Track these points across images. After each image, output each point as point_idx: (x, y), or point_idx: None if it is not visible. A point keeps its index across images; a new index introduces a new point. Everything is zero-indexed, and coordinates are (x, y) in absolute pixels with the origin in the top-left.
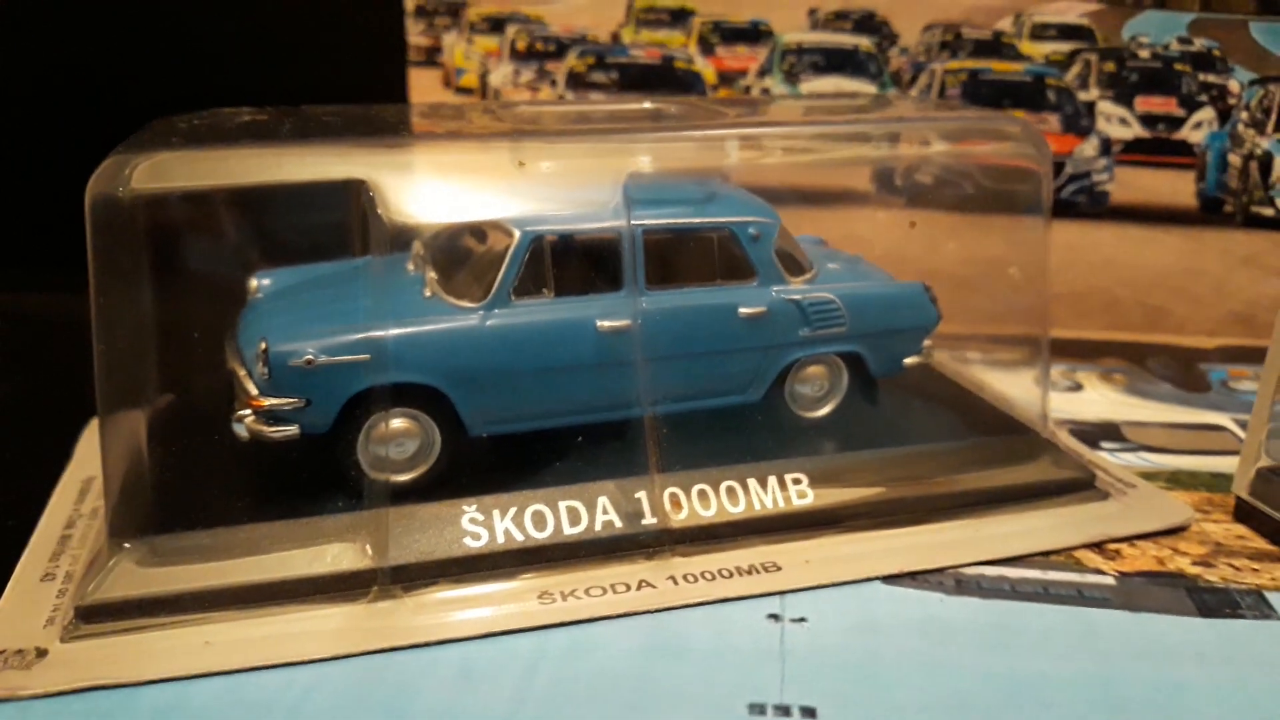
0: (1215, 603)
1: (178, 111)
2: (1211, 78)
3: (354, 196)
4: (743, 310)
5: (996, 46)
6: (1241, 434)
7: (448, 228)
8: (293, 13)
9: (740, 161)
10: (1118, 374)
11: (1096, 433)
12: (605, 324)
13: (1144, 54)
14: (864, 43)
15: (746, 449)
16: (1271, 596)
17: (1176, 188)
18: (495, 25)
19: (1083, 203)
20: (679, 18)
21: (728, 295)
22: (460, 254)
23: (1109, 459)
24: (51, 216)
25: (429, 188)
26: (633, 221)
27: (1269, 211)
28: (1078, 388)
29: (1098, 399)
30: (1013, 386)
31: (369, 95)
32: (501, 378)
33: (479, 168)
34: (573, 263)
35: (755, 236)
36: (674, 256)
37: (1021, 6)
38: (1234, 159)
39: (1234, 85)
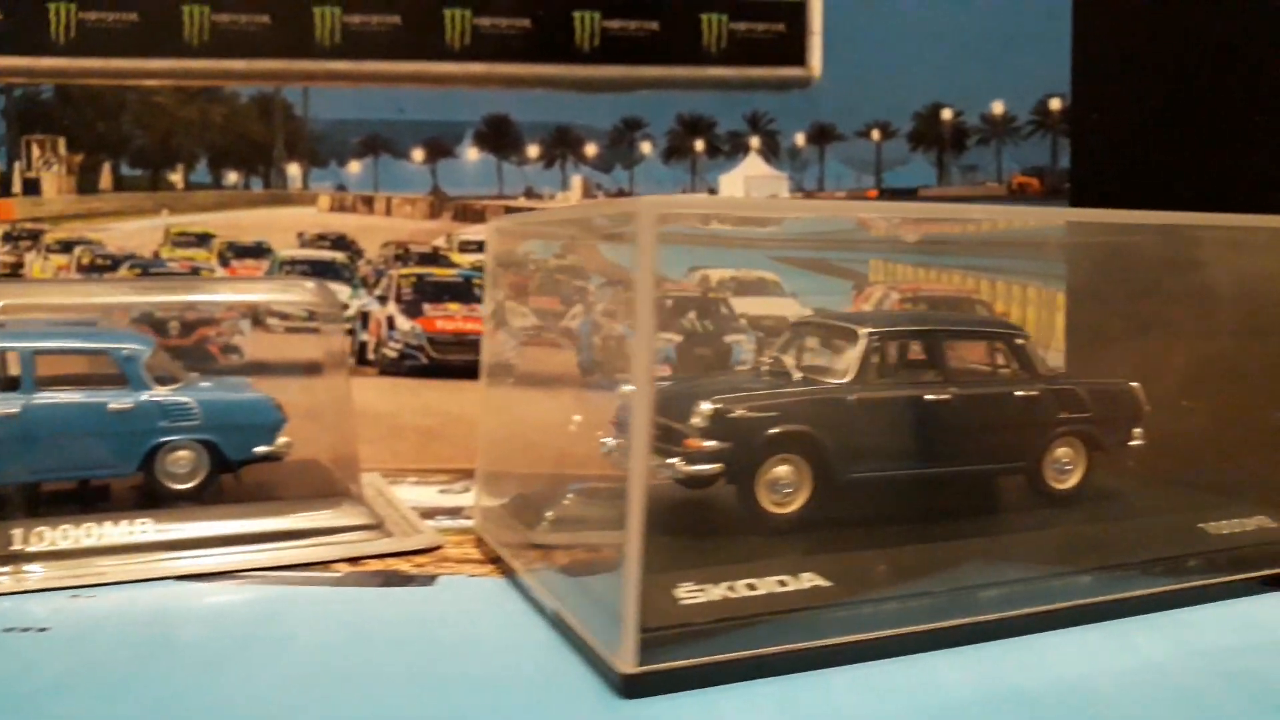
0: (397, 580)
1: None
2: (578, 283)
3: None
4: (112, 405)
5: (435, 257)
6: None
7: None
8: None
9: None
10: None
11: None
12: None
13: (533, 266)
14: (339, 256)
15: None
16: (438, 578)
17: (564, 360)
18: (66, 247)
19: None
20: (203, 240)
21: (102, 395)
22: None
23: (416, 519)
24: None
25: None
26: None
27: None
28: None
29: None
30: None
31: None
32: None
33: None
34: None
35: (128, 356)
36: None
37: (450, 230)
38: (596, 340)
39: (590, 287)
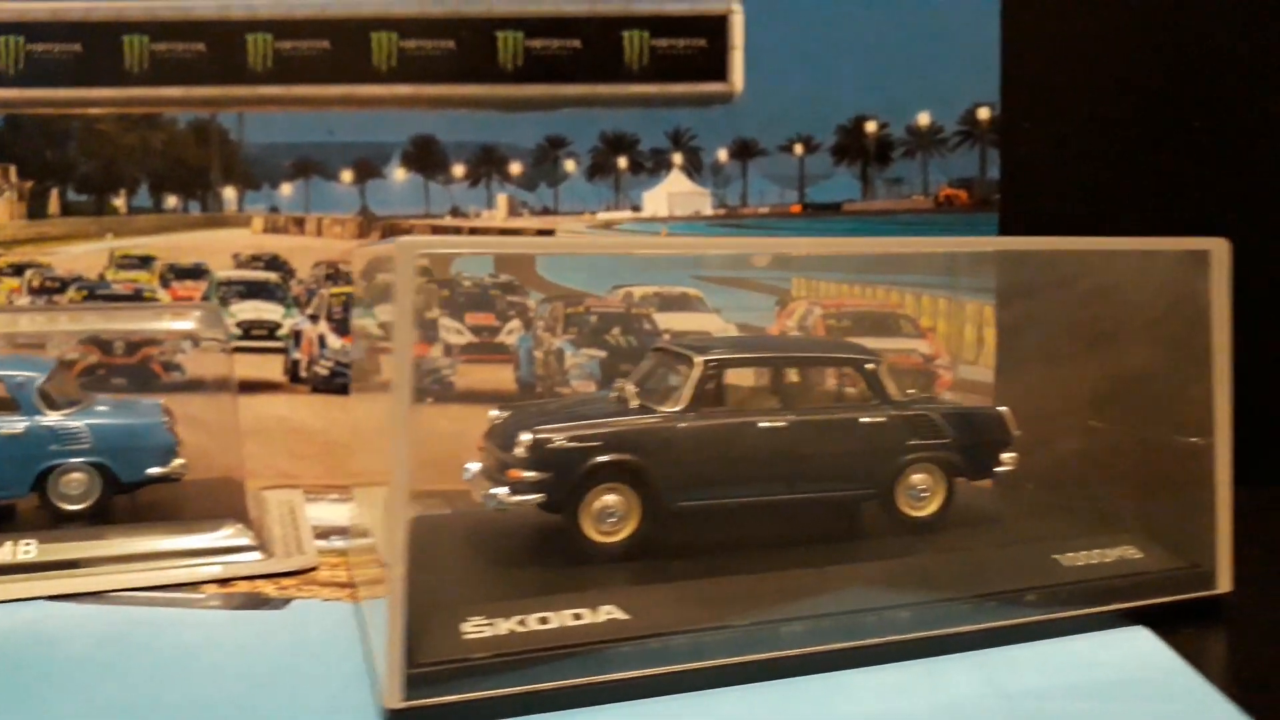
0: (253, 603)
1: None
2: (515, 298)
3: None
4: (3, 430)
5: None
6: None
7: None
8: None
9: None
10: None
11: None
12: None
13: (467, 284)
14: (273, 277)
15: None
16: (292, 602)
17: (500, 377)
18: (17, 270)
19: (437, 390)
20: (145, 262)
21: None
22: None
23: (308, 539)
24: None
25: None
26: None
27: (568, 390)
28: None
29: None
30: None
31: None
32: None
33: None
34: None
35: (19, 383)
36: None
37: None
38: (538, 354)
39: (531, 303)
